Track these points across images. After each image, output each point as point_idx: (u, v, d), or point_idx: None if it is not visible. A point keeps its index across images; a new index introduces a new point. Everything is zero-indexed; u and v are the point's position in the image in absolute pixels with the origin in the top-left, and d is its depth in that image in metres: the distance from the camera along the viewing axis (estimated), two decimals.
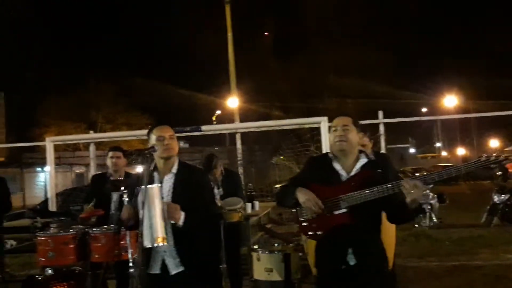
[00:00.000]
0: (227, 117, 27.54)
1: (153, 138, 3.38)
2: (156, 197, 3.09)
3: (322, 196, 3.10)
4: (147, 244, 3.10)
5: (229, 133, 16.03)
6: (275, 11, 36.36)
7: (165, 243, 3.10)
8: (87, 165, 28.04)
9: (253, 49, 29.60)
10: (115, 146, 5.52)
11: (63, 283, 4.76)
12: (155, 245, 3.09)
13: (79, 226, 4.84)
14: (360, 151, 3.22)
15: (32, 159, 30.21)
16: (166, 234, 3.10)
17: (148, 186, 3.09)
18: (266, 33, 31.98)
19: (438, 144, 58.20)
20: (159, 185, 3.22)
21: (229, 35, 15.59)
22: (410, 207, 2.91)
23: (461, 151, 50.39)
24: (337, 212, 3.09)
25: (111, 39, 47.09)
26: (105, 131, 29.12)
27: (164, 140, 3.35)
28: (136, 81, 35.00)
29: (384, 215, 3.16)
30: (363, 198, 3.00)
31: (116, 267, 4.93)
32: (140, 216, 3.14)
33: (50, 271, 4.89)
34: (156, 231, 3.06)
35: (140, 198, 3.18)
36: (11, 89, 30.17)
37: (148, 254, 3.28)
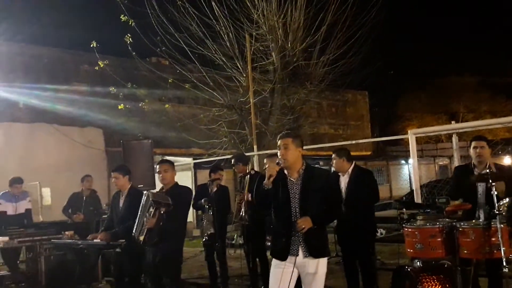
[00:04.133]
0: None
1: None
2: None
3: None
4: None
5: None
6: None
7: None
8: (450, 157, 27.58)
9: None
10: (478, 136, 5.17)
11: (433, 276, 4.70)
12: None
13: (446, 219, 4.71)
14: None
15: (396, 152, 31.70)
16: None
17: None
18: None
19: None
20: None
21: None
22: None
23: None
24: None
25: (471, 25, 45.13)
26: (467, 121, 28.02)
27: None
28: (500, 64, 32.46)
29: None
30: None
31: (487, 265, 4.60)
32: None
33: (418, 263, 4.92)
34: None
35: None
36: (373, 88, 32.33)
37: None
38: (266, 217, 5.71)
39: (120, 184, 5.79)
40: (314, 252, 3.82)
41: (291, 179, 3.93)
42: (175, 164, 5.47)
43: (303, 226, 3.71)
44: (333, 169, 6.07)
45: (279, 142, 3.96)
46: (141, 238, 4.92)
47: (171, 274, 5.03)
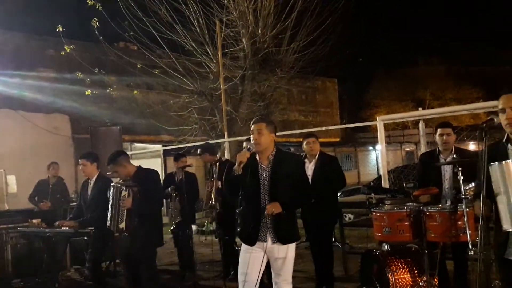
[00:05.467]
0: None
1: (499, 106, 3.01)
2: None
3: None
4: (508, 227, 2.76)
5: None
6: None
7: None
8: (416, 143, 28.12)
9: None
10: (444, 122, 5.27)
11: (400, 260, 4.80)
12: None
13: (413, 203, 4.81)
14: None
15: (364, 138, 32.15)
16: None
17: (505, 161, 2.74)
18: None
19: None
20: None
21: None
22: None
23: None
24: None
25: (434, 13, 45.82)
26: (433, 108, 28.54)
27: (506, 113, 2.95)
28: (466, 54, 33.18)
29: None
30: None
31: (454, 248, 4.73)
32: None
33: (386, 247, 5.02)
34: None
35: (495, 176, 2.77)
36: (343, 76, 32.60)
37: (505, 238, 2.93)
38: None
39: (87, 171, 5.69)
40: (282, 238, 3.84)
41: (262, 165, 3.93)
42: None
43: (273, 210, 3.72)
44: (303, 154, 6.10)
45: (252, 127, 3.95)
46: (122, 225, 4.85)
47: (147, 260, 4.98)
